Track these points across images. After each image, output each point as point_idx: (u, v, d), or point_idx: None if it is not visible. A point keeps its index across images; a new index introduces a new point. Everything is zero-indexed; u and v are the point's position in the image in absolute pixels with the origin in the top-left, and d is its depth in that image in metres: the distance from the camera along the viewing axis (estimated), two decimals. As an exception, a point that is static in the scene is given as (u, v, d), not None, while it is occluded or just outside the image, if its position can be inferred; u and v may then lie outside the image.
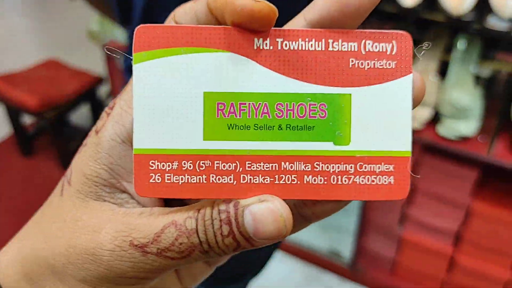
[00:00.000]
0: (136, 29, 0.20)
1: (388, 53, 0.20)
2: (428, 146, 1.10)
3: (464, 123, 1.03)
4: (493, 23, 0.92)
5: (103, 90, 1.89)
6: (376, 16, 1.15)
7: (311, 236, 1.43)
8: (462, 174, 1.09)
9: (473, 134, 1.03)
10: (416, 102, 0.20)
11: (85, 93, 1.72)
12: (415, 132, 1.05)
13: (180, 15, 0.21)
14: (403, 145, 0.20)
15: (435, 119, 1.07)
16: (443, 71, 1.07)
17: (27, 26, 2.69)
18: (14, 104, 1.64)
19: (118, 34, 1.34)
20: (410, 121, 0.20)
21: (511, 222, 1.09)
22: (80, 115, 1.93)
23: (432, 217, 1.18)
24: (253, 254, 0.61)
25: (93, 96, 1.77)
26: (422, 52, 0.21)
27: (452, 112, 1.02)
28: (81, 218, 0.22)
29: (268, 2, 0.19)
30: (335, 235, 1.39)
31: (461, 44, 1.05)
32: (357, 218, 1.29)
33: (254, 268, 0.70)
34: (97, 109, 1.81)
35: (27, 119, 1.88)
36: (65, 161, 1.71)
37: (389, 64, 0.20)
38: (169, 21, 0.22)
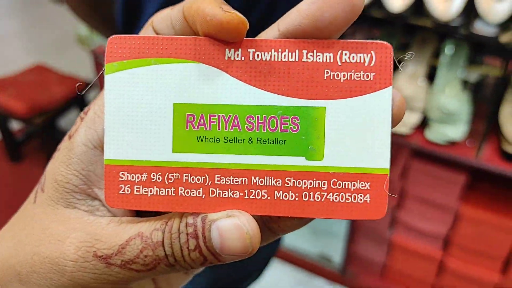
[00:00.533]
0: (108, 39, 0.20)
1: (366, 64, 0.19)
2: (417, 151, 1.11)
3: (452, 128, 1.03)
4: (480, 28, 0.93)
5: (92, 95, 1.88)
6: (363, 22, 1.15)
7: (301, 241, 1.43)
8: (451, 178, 1.09)
9: (461, 138, 1.04)
10: (395, 121, 0.19)
11: (74, 98, 1.71)
12: (404, 137, 1.06)
13: (157, 20, 0.21)
14: (381, 161, 0.19)
15: (423, 123, 1.07)
16: (431, 76, 1.08)
17: (15, 31, 2.67)
18: (2, 109, 1.62)
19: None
20: (389, 136, 0.19)
21: (500, 225, 1.09)
22: (69, 120, 1.91)
23: (421, 221, 1.18)
24: (251, 260, 0.61)
25: (82, 101, 1.76)
26: (402, 63, 0.20)
27: (440, 117, 1.02)
28: (49, 226, 0.21)
29: (238, 13, 0.18)
30: (325, 240, 1.39)
31: (448, 49, 1.05)
32: (347, 223, 1.29)
33: (253, 274, 0.70)
34: (86, 114, 1.79)
35: (15, 125, 1.86)
36: (53, 166, 1.70)
37: (367, 75, 0.19)
38: (147, 27, 0.22)
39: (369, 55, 0.19)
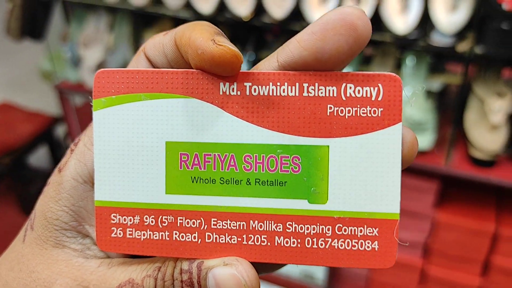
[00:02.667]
0: (95, 73, 0.19)
1: (373, 98, 0.17)
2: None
3: (420, 137, 1.04)
4: (437, 39, 0.95)
5: (60, 130, 1.85)
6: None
7: (283, 260, 1.42)
8: (424, 187, 1.10)
9: (430, 147, 1.05)
10: (406, 162, 0.18)
11: (42, 135, 1.67)
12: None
13: (149, 47, 0.20)
14: (390, 206, 0.18)
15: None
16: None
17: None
18: (-34, 152, 1.58)
19: (70, 73, 1.31)
20: (399, 179, 0.18)
21: (475, 229, 1.11)
22: (38, 156, 1.87)
23: (399, 231, 1.19)
24: None
25: (50, 137, 1.73)
26: (414, 99, 0.19)
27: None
28: (35, 269, 0.20)
29: (231, 46, 0.17)
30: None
31: (409, 60, 1.07)
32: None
33: None
34: (56, 150, 1.76)
35: (-18, 166, 1.81)
36: (25, 205, 1.65)
37: (374, 111, 0.17)
38: (139, 53, 0.21)
39: (376, 88, 0.17)
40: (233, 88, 0.18)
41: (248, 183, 0.18)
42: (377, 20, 0.98)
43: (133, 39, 1.23)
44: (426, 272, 1.20)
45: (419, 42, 0.97)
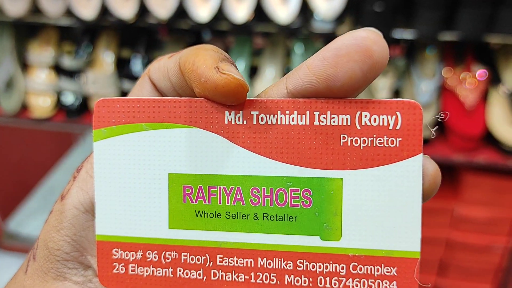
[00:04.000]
0: (95, 103, 0.18)
1: (390, 127, 0.16)
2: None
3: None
4: (318, 25, 0.98)
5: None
6: (215, 35, 1.17)
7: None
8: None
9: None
10: (427, 196, 0.17)
11: None
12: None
13: (154, 70, 0.19)
14: (410, 243, 0.16)
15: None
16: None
17: None
18: None
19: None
20: (419, 214, 0.16)
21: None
22: None
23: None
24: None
25: None
26: (435, 127, 0.17)
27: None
28: None
29: (236, 75, 0.16)
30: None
31: (298, 48, 1.10)
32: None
33: None
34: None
35: None
36: None
37: (392, 141, 0.16)
38: (144, 77, 0.20)
39: (394, 116, 0.16)
40: (239, 117, 0.17)
41: (255, 218, 0.17)
42: (261, 12, 1.00)
43: (16, 52, 1.16)
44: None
45: (302, 30, 0.99)
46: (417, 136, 0.16)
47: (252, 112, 0.17)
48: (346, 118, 0.16)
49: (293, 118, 0.17)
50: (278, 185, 0.17)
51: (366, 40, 0.15)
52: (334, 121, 0.17)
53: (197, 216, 0.18)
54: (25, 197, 1.60)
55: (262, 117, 0.17)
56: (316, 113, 0.17)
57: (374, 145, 0.16)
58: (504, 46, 1.06)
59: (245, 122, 0.17)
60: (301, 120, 0.17)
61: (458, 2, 0.91)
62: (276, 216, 0.17)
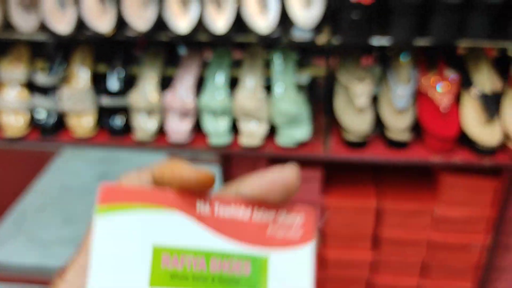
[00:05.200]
0: (100, 185, 0.22)
1: (296, 223, 0.23)
2: (273, 158, 1.15)
3: (298, 130, 1.09)
4: (298, 34, 1.00)
5: None
6: (195, 47, 1.17)
7: None
8: (309, 176, 1.15)
9: (308, 137, 1.10)
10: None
11: None
12: (258, 149, 1.09)
13: (126, 181, 0.23)
14: None
15: (272, 132, 1.12)
16: (268, 86, 1.13)
17: None
18: None
19: None
20: (312, 282, 0.23)
21: (361, 207, 1.18)
22: None
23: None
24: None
25: None
26: (322, 223, 0.22)
27: (284, 122, 1.08)
28: None
29: (207, 171, 0.22)
30: None
31: (277, 58, 1.12)
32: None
33: None
34: None
35: None
36: None
37: (296, 232, 0.23)
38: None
39: (298, 216, 0.23)
40: (206, 206, 0.23)
41: (213, 280, 0.22)
42: (241, 22, 1.01)
43: (-14, 70, 1.12)
44: (324, 257, 1.25)
45: (282, 39, 1.01)
46: (311, 229, 0.23)
47: (215, 204, 0.23)
48: (271, 216, 0.23)
49: (240, 212, 0.23)
50: (230, 258, 0.23)
51: (288, 178, 0.23)
52: (264, 217, 0.23)
53: (171, 278, 0.22)
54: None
55: (221, 208, 0.23)
56: (255, 211, 0.23)
57: (285, 235, 0.23)
58: (472, 50, 1.11)
59: (209, 209, 0.23)
60: (245, 214, 0.23)
61: (430, 9, 0.95)
62: (226, 279, 0.22)
